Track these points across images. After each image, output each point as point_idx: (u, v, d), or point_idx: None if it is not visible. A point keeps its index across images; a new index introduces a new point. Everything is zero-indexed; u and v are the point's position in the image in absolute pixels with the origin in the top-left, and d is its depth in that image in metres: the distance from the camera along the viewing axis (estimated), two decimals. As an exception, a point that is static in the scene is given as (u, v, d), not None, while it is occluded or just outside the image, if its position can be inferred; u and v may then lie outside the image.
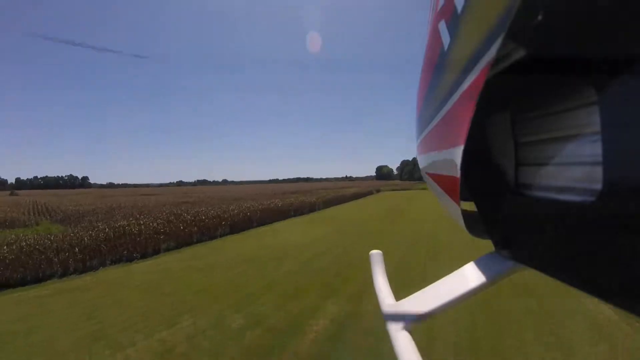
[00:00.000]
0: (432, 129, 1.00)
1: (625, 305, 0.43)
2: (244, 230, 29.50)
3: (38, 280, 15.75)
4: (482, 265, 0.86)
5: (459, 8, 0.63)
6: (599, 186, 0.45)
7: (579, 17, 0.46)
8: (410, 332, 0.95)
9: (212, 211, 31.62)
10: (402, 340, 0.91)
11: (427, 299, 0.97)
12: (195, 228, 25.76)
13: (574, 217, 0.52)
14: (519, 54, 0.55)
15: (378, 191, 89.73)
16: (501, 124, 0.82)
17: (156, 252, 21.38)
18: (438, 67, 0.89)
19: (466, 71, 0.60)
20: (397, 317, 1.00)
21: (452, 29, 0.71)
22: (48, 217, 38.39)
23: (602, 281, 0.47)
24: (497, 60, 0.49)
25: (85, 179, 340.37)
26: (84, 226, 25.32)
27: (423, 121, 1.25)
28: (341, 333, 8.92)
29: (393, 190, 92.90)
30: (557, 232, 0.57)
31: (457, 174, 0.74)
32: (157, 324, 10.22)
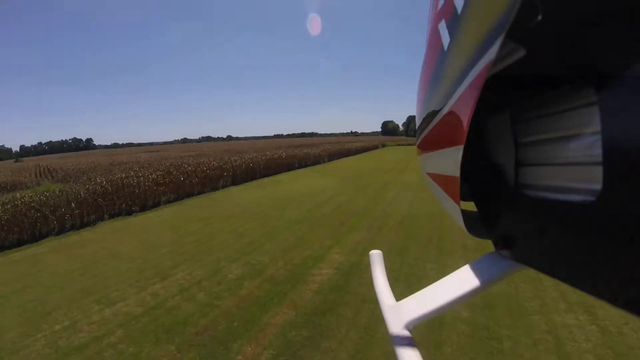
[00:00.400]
0: (432, 129, 1.00)
1: (625, 305, 0.43)
2: (246, 181, 29.06)
3: (35, 239, 15.46)
4: (482, 265, 0.87)
5: (459, 8, 0.64)
6: (599, 186, 0.45)
7: (579, 16, 0.45)
8: (410, 332, 0.96)
9: (214, 162, 30.54)
10: (402, 340, 0.92)
11: (427, 299, 0.97)
12: (197, 179, 25.12)
13: (574, 217, 0.52)
14: (519, 54, 0.56)
15: (384, 146, 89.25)
16: (501, 124, 0.83)
17: (156, 204, 21.08)
18: (438, 67, 0.90)
19: (466, 71, 0.60)
20: (397, 317, 1.02)
21: (452, 29, 0.72)
22: (50, 177, 37.96)
23: (602, 281, 0.47)
24: (497, 60, 0.50)
25: (89, 140, 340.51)
26: (81, 182, 24.62)
27: (423, 121, 1.25)
28: (345, 284, 8.42)
29: (398, 145, 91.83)
30: (557, 232, 0.58)
31: (457, 174, 0.74)
32: (152, 276, 9.85)
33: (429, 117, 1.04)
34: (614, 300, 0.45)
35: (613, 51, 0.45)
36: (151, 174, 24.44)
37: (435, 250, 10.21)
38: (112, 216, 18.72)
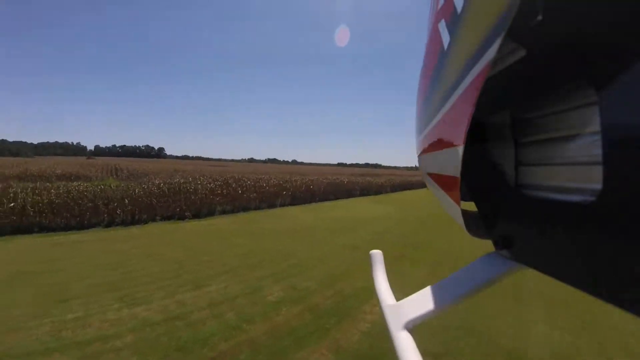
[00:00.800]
0: (432, 129, 1.00)
1: (626, 305, 0.43)
2: (305, 202, 28.30)
3: (83, 227, 15.75)
4: (482, 265, 0.88)
5: (459, 8, 0.64)
6: (599, 186, 0.46)
7: (579, 16, 0.46)
8: (410, 332, 0.96)
9: (274, 180, 30.15)
10: (403, 340, 0.92)
11: (427, 299, 0.98)
12: (255, 194, 24.64)
13: (574, 217, 0.52)
14: (519, 54, 0.58)
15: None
16: (501, 124, 0.83)
17: (210, 213, 20.77)
18: (438, 67, 0.89)
19: (466, 71, 0.60)
20: (397, 317, 1.02)
21: (452, 29, 0.72)
22: (115, 175, 40.15)
23: (602, 281, 0.47)
24: (497, 60, 0.52)
25: (161, 149, 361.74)
26: (141, 182, 24.98)
27: (423, 121, 1.23)
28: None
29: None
30: (557, 232, 0.58)
31: (457, 174, 0.75)
32: (184, 283, 8.96)
33: (429, 117, 1.03)
34: (614, 300, 0.45)
35: (613, 51, 0.44)
36: (209, 183, 24.43)
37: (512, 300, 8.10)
38: (164, 218, 18.60)
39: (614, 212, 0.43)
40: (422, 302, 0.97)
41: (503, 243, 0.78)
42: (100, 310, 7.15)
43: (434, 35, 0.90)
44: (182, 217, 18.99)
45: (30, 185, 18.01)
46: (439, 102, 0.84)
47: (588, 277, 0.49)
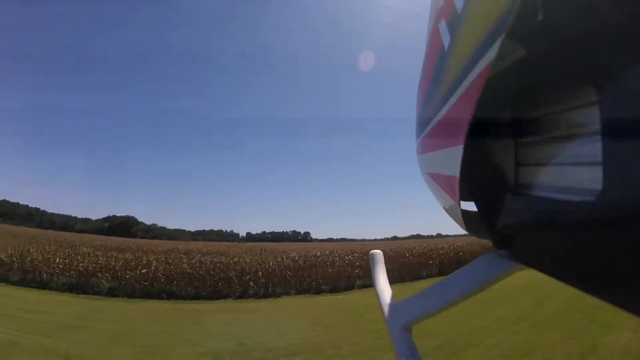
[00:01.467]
0: (432, 129, 1.00)
1: (626, 305, 0.44)
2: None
3: (212, 297, 15.72)
4: (482, 265, 0.88)
5: (459, 8, 0.66)
6: (599, 186, 0.45)
7: (579, 16, 0.48)
8: (410, 332, 1.00)
9: (417, 250, 27.35)
10: (402, 340, 0.97)
11: (427, 299, 1.02)
12: (397, 264, 21.66)
13: (574, 217, 0.52)
14: (519, 54, 0.59)
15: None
16: (501, 124, 0.85)
17: (349, 287, 18.74)
18: (438, 67, 0.90)
19: (466, 71, 0.61)
20: (397, 317, 1.06)
21: (452, 29, 0.74)
22: (259, 255, 41.18)
23: (602, 281, 0.48)
24: (497, 60, 0.51)
25: (307, 234, 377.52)
26: (276, 256, 25.04)
27: (423, 121, 1.22)
28: None
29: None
30: (557, 232, 0.58)
31: (457, 174, 0.75)
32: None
33: (429, 117, 1.03)
34: (614, 300, 0.45)
35: (613, 51, 0.45)
36: (347, 255, 22.89)
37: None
38: (299, 292, 17.33)
39: (614, 212, 0.42)
40: (422, 302, 1.04)
41: (503, 243, 0.79)
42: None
43: (434, 35, 0.91)
44: (318, 291, 17.49)
45: (165, 257, 19.53)
46: (439, 102, 0.85)
47: (588, 277, 0.50)
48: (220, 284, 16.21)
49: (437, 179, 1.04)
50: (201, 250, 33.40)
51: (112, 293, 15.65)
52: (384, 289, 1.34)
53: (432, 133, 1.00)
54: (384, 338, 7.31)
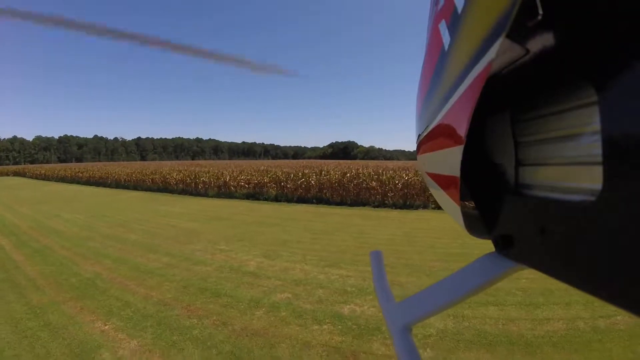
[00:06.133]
0: (432, 129, 1.01)
1: (626, 305, 0.43)
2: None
3: (354, 204, 19.11)
4: (482, 265, 0.86)
5: (459, 8, 0.66)
6: (599, 186, 0.45)
7: (579, 16, 0.47)
8: (410, 332, 0.99)
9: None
10: (402, 340, 0.95)
11: (427, 299, 0.99)
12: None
13: (574, 217, 0.52)
14: (519, 54, 0.58)
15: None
16: (501, 124, 0.84)
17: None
18: (438, 67, 0.90)
19: (466, 71, 0.62)
20: (397, 317, 1.04)
21: (452, 29, 0.74)
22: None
23: (602, 281, 0.47)
24: (497, 60, 0.51)
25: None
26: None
27: (423, 121, 1.26)
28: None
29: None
30: (557, 232, 0.57)
31: (457, 174, 0.77)
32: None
33: (429, 117, 1.05)
34: (614, 300, 0.44)
35: (613, 51, 0.44)
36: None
37: None
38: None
39: (614, 212, 0.42)
40: (422, 302, 1.00)
41: (503, 243, 0.77)
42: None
43: (434, 35, 0.92)
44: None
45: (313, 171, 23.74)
46: (440, 102, 0.86)
47: (588, 277, 0.48)
48: (362, 192, 18.89)
49: (437, 179, 1.05)
50: (391, 168, 34.66)
51: (276, 199, 20.58)
52: (384, 289, 1.32)
53: (432, 133, 1.00)
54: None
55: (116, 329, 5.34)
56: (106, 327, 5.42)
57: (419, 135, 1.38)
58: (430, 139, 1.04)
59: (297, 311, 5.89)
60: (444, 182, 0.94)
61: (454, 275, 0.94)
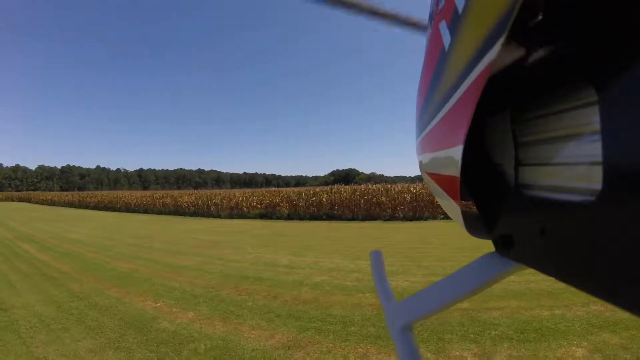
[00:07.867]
0: (432, 129, 0.96)
1: (626, 305, 0.40)
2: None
3: (366, 219, 19.56)
4: (482, 265, 0.82)
5: (459, 8, 0.63)
6: (599, 186, 0.43)
7: (580, 16, 0.45)
8: (410, 332, 0.95)
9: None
10: (403, 340, 0.93)
11: (427, 299, 0.94)
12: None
13: (574, 217, 0.50)
14: (519, 54, 0.56)
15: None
16: (501, 124, 0.79)
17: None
18: (438, 67, 0.86)
19: (466, 71, 0.60)
20: (397, 317, 0.99)
21: (452, 29, 0.71)
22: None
23: (602, 281, 0.44)
24: (497, 60, 0.49)
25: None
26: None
27: (423, 121, 1.16)
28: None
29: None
30: (557, 232, 0.54)
31: (457, 174, 0.74)
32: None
33: (429, 117, 1.00)
34: (614, 300, 0.42)
35: (613, 51, 0.42)
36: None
37: None
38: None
39: (614, 212, 0.42)
40: (422, 302, 0.98)
41: (503, 243, 0.76)
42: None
43: (434, 35, 0.90)
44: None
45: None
46: (440, 102, 0.85)
47: (588, 277, 0.48)
48: (372, 208, 19.32)
49: (437, 179, 1.02)
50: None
51: (289, 217, 21.03)
52: (385, 289, 1.25)
53: (432, 133, 0.99)
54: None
55: (169, 305, 5.66)
56: (157, 304, 5.71)
57: (419, 135, 1.36)
58: (430, 139, 1.04)
59: (339, 287, 6.37)
60: (444, 182, 0.93)
61: (454, 275, 0.93)
